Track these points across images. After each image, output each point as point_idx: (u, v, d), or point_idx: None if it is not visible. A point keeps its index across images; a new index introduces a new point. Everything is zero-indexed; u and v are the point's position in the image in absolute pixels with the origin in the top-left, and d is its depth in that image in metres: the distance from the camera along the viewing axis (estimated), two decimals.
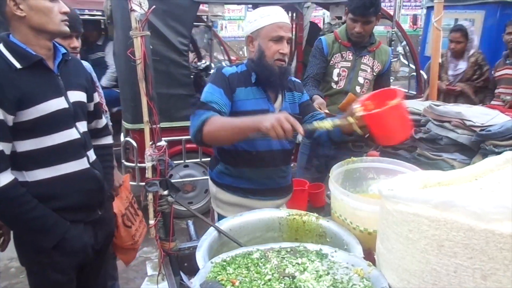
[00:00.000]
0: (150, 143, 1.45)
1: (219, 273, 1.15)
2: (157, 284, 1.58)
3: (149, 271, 3.09)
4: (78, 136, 1.55)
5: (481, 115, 2.07)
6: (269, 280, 1.11)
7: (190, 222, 1.88)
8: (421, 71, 4.48)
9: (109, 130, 1.95)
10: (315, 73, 2.68)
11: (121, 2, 3.20)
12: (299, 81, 2.01)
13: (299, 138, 3.12)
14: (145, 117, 1.43)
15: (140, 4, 1.34)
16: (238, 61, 1.68)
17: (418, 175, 1.18)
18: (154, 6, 1.41)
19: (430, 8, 6.11)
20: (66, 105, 1.50)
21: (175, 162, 3.52)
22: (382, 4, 2.75)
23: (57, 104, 1.47)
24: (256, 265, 1.20)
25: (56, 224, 1.50)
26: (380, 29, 8.50)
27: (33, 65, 1.43)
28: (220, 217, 1.89)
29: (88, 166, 1.58)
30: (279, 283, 1.09)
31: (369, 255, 1.30)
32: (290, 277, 1.10)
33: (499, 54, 5.51)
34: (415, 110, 2.42)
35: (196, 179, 3.91)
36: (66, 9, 1.47)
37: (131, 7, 1.34)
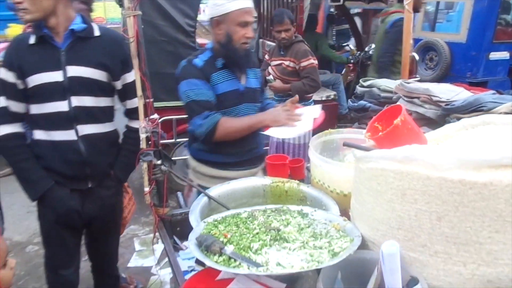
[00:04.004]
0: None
1: (212, 230, 1.29)
2: (152, 245, 1.69)
3: (137, 247, 3.21)
4: (67, 109, 1.66)
5: (447, 91, 2.25)
6: (257, 233, 1.25)
7: (179, 194, 2.00)
8: (414, 53, 4.65)
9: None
10: None
11: None
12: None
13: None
14: (139, 92, 1.53)
15: None
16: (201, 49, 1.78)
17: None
18: None
19: None
20: (60, 79, 1.63)
21: (183, 139, 3.66)
22: None
23: (49, 77, 1.62)
24: (244, 222, 1.33)
25: (40, 179, 1.69)
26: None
27: (40, 40, 1.61)
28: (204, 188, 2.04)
29: (75, 138, 1.69)
30: (266, 235, 1.23)
31: (344, 214, 1.45)
32: (276, 230, 1.25)
33: (487, 37, 5.71)
34: (387, 88, 2.59)
35: None
36: None
37: None
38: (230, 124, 1.84)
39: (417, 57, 4.44)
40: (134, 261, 3.04)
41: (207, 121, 1.78)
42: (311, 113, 1.91)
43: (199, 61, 1.89)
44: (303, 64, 3.30)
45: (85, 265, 2.34)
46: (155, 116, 1.56)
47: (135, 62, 1.50)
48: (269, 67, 3.53)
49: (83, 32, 1.68)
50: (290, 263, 1.10)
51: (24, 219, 3.66)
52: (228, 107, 1.90)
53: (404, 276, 1.07)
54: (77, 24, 1.67)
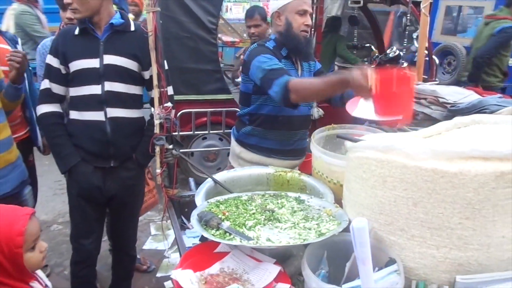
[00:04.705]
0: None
1: (213, 208, 1.41)
2: (162, 221, 1.83)
3: (153, 231, 3.38)
4: (99, 92, 1.86)
5: (454, 94, 2.29)
6: (253, 213, 1.37)
7: (191, 179, 2.14)
8: (434, 56, 4.67)
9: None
10: None
11: None
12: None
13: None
14: (155, 81, 1.67)
15: None
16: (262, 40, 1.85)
17: (380, 136, 1.42)
18: None
19: None
20: (97, 65, 1.84)
21: (202, 132, 3.75)
22: None
23: (88, 63, 1.84)
24: (244, 204, 1.46)
25: (69, 155, 1.91)
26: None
27: (83, 31, 1.85)
28: None
29: (103, 119, 1.88)
30: (261, 215, 1.35)
31: (339, 202, 1.54)
32: (270, 211, 1.37)
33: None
34: None
35: (218, 148, 4.15)
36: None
37: None
38: (303, 82, 1.81)
39: (437, 61, 4.45)
40: (149, 244, 3.21)
41: (278, 83, 1.74)
42: None
43: (269, 44, 2.02)
44: None
45: (104, 244, 2.51)
46: (169, 104, 1.70)
47: (153, 54, 1.64)
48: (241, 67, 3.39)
49: (120, 26, 1.89)
50: (279, 239, 1.21)
51: (50, 201, 3.90)
52: None
53: (384, 257, 1.16)
54: (116, 19, 1.88)
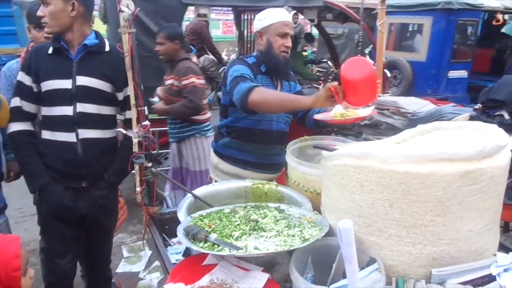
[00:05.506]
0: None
1: (197, 222, 1.44)
2: (143, 239, 1.82)
3: (125, 254, 3.31)
4: (71, 113, 1.86)
5: (413, 104, 2.48)
6: (238, 224, 1.41)
7: (167, 197, 2.16)
8: (385, 70, 4.93)
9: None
10: None
11: (114, 2, 3.53)
12: (292, 73, 2.32)
13: None
14: (132, 101, 1.70)
15: (128, 6, 1.61)
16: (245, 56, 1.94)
17: (354, 145, 1.52)
18: (139, 8, 1.68)
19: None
20: (69, 86, 1.83)
21: (165, 151, 3.76)
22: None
23: (60, 84, 1.83)
24: (227, 216, 1.50)
25: (38, 175, 1.90)
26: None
27: (56, 51, 1.84)
28: None
29: (74, 140, 1.87)
30: (245, 225, 1.40)
31: (317, 210, 1.62)
32: (254, 221, 1.42)
33: (445, 57, 6.10)
34: None
35: None
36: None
37: (120, 8, 1.61)
38: (268, 90, 1.88)
39: (388, 74, 4.71)
40: (122, 267, 3.14)
41: (244, 86, 1.82)
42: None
43: (249, 60, 2.10)
44: (184, 82, 3.01)
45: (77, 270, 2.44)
46: (147, 122, 1.72)
47: (129, 74, 1.67)
48: (158, 88, 3.29)
49: (94, 47, 1.89)
50: (266, 247, 1.26)
51: (13, 229, 3.71)
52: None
53: (364, 257, 1.24)
54: (91, 39, 1.88)
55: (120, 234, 3.59)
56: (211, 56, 5.77)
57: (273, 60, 2.03)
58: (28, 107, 1.89)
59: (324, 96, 1.67)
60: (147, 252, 3.28)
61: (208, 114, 3.25)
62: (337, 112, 1.83)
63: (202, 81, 3.10)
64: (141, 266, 3.12)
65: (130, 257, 3.26)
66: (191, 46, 5.81)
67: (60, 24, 1.80)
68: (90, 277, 2.30)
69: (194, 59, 3.19)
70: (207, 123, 3.23)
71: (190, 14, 6.62)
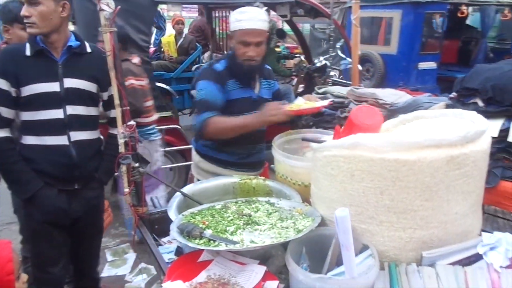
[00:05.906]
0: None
1: (190, 220, 1.44)
2: (133, 241, 1.80)
3: (109, 258, 3.26)
4: (62, 116, 1.81)
5: (391, 95, 2.54)
6: (231, 219, 1.42)
7: (153, 197, 2.14)
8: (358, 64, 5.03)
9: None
10: None
11: (83, 2, 3.40)
12: (270, 68, 2.33)
13: None
14: (116, 100, 1.67)
15: (108, 4, 1.59)
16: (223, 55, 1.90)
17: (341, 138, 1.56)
18: (119, 6, 1.65)
19: (349, 8, 6.67)
20: (57, 89, 1.78)
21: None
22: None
23: (47, 87, 1.77)
24: (219, 212, 1.50)
25: (30, 181, 1.83)
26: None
27: (37, 53, 1.76)
28: None
29: (66, 143, 1.83)
30: (239, 220, 1.41)
31: (306, 202, 1.65)
32: (247, 215, 1.43)
33: (415, 49, 6.25)
34: (340, 94, 2.86)
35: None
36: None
37: (100, 7, 1.58)
38: (223, 121, 1.92)
39: (360, 68, 4.82)
40: (107, 271, 3.09)
41: (202, 117, 1.90)
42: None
43: (219, 66, 2.06)
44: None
45: None
46: (132, 122, 1.70)
47: (112, 74, 1.65)
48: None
49: (78, 49, 1.85)
50: (262, 240, 1.28)
51: None
52: (240, 113, 2.00)
53: (357, 245, 1.28)
54: (73, 41, 1.84)
55: (103, 238, 3.53)
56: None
57: (237, 67, 2.01)
58: (7, 113, 1.80)
59: (266, 114, 1.82)
60: (131, 255, 3.25)
61: (153, 117, 3.12)
62: (294, 104, 1.89)
63: (143, 82, 2.98)
64: (126, 269, 3.08)
65: (115, 260, 3.20)
66: (196, 44, 5.78)
67: (50, 25, 1.74)
68: (78, 282, 2.26)
69: (135, 60, 3.06)
70: (151, 126, 3.09)
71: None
